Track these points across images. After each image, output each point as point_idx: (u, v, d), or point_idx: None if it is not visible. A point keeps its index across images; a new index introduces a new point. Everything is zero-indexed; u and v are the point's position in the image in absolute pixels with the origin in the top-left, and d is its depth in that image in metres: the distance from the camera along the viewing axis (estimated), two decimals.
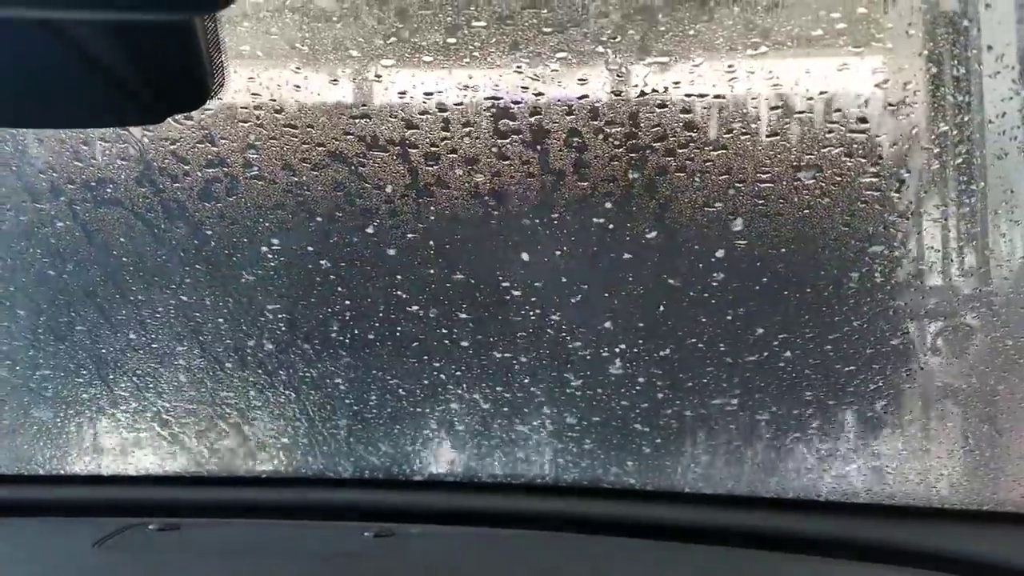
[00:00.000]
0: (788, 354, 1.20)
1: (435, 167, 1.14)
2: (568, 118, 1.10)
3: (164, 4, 0.38)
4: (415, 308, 1.24)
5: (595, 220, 1.15)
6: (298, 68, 1.10)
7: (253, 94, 1.10)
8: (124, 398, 1.36)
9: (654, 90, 1.07)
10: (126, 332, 1.30)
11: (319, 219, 1.20)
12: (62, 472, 1.43)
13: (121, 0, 0.37)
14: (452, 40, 1.07)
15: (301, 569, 1.17)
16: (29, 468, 1.43)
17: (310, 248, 1.21)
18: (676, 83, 1.07)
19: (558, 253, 1.18)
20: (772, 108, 1.07)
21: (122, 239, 1.23)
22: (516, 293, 1.22)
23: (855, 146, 1.08)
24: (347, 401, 1.33)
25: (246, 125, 1.13)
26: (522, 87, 1.08)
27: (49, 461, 1.42)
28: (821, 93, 1.06)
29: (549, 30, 1.06)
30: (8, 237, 1.24)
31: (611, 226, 1.15)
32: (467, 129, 1.11)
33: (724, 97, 1.07)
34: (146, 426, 1.38)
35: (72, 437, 1.40)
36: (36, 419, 1.39)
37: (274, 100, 1.11)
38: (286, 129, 1.13)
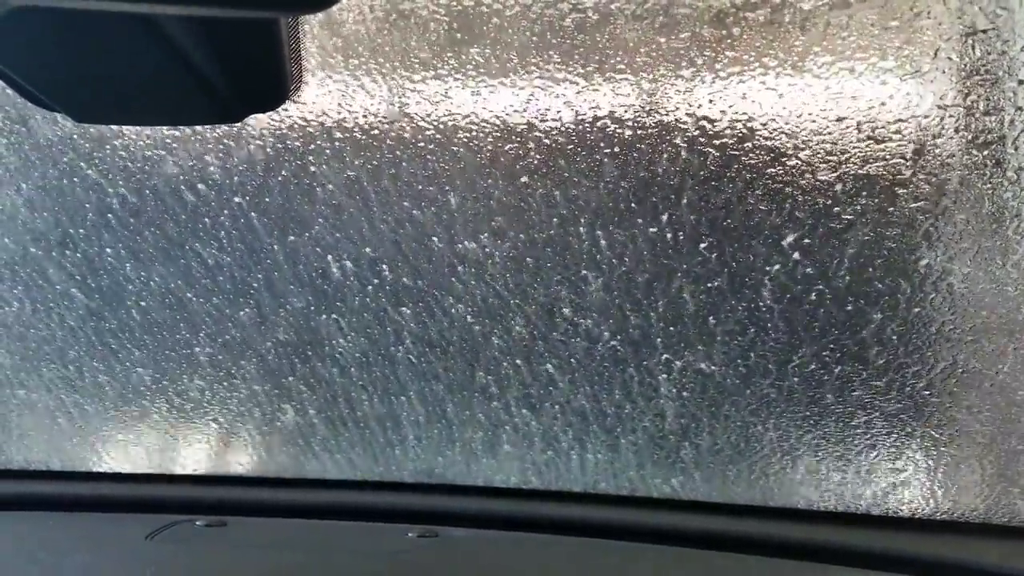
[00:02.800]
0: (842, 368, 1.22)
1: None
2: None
3: (271, 2, 0.39)
4: (464, 316, 1.26)
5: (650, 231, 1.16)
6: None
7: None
8: (181, 401, 1.40)
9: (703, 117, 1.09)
10: (184, 337, 1.33)
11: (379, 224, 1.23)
12: (115, 470, 1.48)
13: None
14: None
15: (344, 566, 1.20)
16: (84, 465, 1.47)
17: (373, 256, 1.24)
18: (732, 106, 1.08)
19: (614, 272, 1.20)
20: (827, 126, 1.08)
21: (189, 248, 1.27)
22: (566, 311, 1.24)
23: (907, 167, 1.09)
24: (395, 407, 1.35)
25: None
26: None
27: (102, 459, 1.47)
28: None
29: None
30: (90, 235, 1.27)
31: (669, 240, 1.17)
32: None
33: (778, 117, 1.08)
34: (196, 427, 1.42)
35: (125, 436, 1.45)
36: (90, 418, 1.43)
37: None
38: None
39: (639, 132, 1.11)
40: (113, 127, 1.12)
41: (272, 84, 0.57)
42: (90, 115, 0.64)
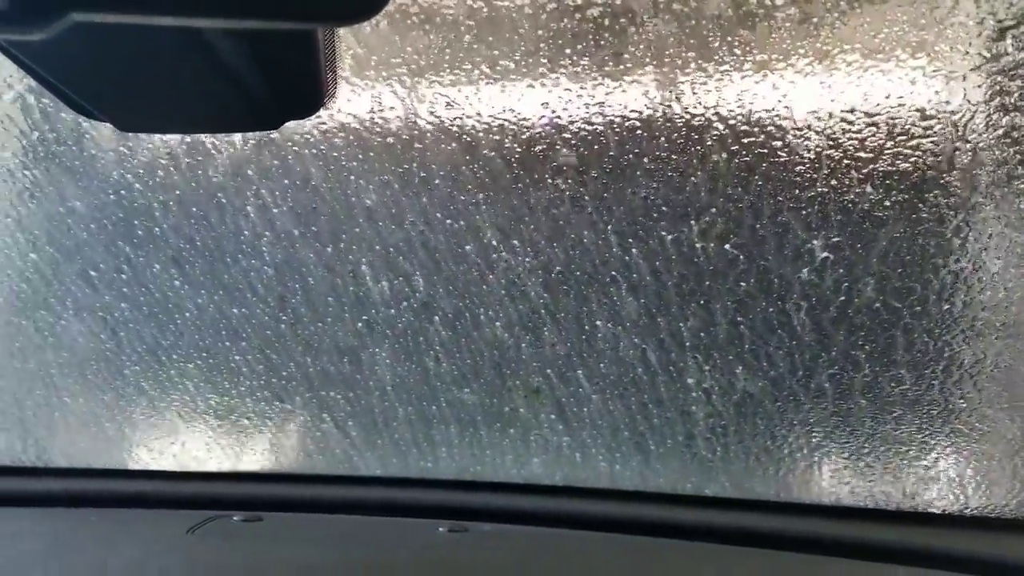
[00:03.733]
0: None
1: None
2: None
3: (313, 13, 0.40)
4: (494, 319, 1.27)
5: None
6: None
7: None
8: (217, 398, 1.43)
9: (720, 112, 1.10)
10: (223, 341, 1.36)
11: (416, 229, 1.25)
12: (152, 467, 1.51)
13: (268, 9, 0.39)
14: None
15: (377, 560, 1.22)
16: (121, 462, 1.51)
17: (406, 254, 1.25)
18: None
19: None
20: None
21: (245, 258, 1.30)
22: (599, 324, 1.25)
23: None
24: (424, 405, 1.37)
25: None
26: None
27: (140, 456, 1.50)
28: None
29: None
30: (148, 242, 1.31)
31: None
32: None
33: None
34: (231, 425, 1.45)
35: (161, 434, 1.48)
36: (129, 416, 1.47)
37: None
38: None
39: (669, 132, 1.12)
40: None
41: (309, 91, 0.58)
42: (133, 124, 0.66)
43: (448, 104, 1.13)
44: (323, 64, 0.56)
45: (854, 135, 1.09)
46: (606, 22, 1.07)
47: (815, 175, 1.11)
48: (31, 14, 0.37)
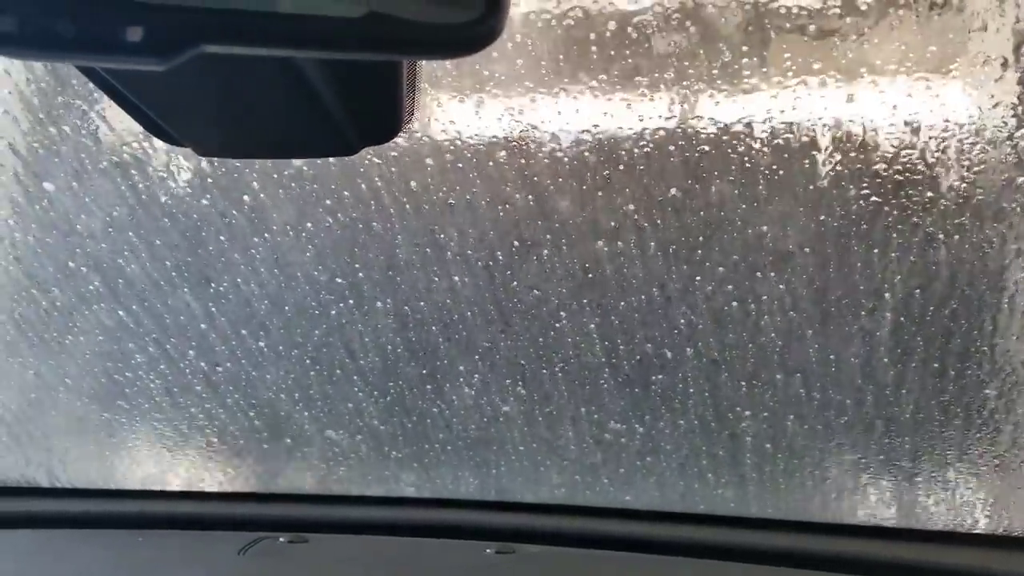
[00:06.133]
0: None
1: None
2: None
3: (422, 46, 0.40)
4: (538, 336, 1.28)
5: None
6: None
7: None
8: (265, 423, 1.44)
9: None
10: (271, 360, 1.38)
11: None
12: (197, 489, 1.53)
13: (392, 44, 0.40)
14: None
15: None
16: (163, 483, 1.53)
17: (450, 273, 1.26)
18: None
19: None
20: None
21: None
22: (656, 352, 1.26)
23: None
24: (471, 427, 1.38)
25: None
26: None
27: (183, 478, 1.52)
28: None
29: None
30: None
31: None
32: None
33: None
34: (278, 445, 1.46)
35: (201, 455, 1.50)
36: (184, 442, 1.49)
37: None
38: None
39: (703, 143, 1.12)
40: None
41: (389, 118, 0.60)
42: (214, 149, 0.67)
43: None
44: (405, 91, 0.57)
45: (893, 145, 1.09)
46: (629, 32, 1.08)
47: (852, 189, 1.12)
48: (163, 45, 0.38)
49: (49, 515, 1.47)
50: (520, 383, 1.33)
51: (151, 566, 1.23)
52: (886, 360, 1.22)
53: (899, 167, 1.09)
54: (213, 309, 1.33)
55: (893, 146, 1.08)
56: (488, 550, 1.30)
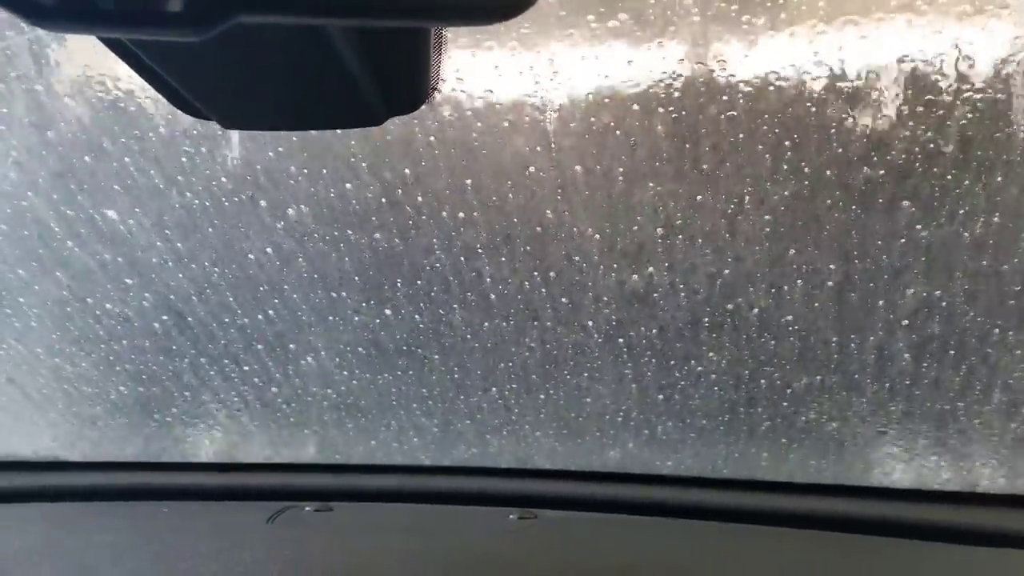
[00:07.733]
0: None
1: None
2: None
3: (457, 12, 0.40)
4: (567, 306, 1.28)
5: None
6: None
7: None
8: (290, 394, 1.46)
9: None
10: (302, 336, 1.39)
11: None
12: (228, 461, 1.55)
13: (427, 9, 0.39)
14: None
15: (447, 546, 1.24)
16: (195, 456, 1.55)
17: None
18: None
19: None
20: None
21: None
22: (665, 300, 1.25)
23: None
24: (496, 397, 1.39)
25: None
26: None
27: (213, 451, 1.54)
28: None
29: None
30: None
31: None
32: None
33: None
34: (304, 418, 1.48)
35: (236, 430, 1.52)
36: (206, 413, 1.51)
37: None
38: None
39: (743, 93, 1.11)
40: None
41: (415, 88, 0.60)
42: (239, 121, 0.67)
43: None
44: (431, 62, 0.57)
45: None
46: None
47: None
48: (201, 16, 0.38)
49: (78, 488, 1.50)
50: (543, 354, 1.34)
51: (180, 536, 1.26)
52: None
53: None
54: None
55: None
56: (511, 516, 1.31)
